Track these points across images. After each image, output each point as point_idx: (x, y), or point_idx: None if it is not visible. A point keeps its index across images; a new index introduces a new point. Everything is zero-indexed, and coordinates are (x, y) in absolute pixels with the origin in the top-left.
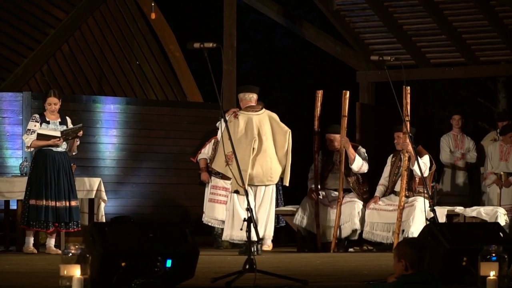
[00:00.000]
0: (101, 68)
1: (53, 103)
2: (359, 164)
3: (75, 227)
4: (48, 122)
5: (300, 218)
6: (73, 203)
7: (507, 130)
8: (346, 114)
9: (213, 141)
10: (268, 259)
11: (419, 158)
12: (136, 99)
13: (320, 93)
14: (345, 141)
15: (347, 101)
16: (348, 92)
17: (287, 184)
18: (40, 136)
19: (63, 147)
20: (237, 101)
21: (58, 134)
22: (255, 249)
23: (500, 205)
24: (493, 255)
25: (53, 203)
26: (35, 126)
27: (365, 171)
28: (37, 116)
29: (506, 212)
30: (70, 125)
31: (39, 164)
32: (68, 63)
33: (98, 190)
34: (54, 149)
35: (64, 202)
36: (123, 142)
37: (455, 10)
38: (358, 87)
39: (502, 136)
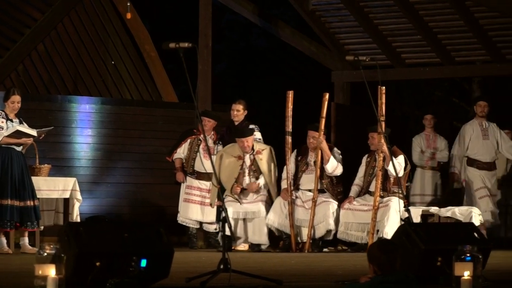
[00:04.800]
0: (76, 68)
1: (17, 101)
2: (334, 166)
3: (36, 226)
4: (11, 121)
5: (273, 218)
6: (36, 202)
7: None
8: (324, 116)
9: (188, 141)
10: (243, 259)
11: (394, 158)
12: (111, 99)
13: (291, 94)
14: (321, 141)
15: (326, 102)
16: (327, 94)
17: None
18: (16, 133)
19: (20, 147)
20: (212, 101)
21: (34, 133)
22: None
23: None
24: (468, 255)
25: (17, 203)
26: (2, 122)
27: (339, 173)
28: (3, 112)
29: (480, 212)
30: (25, 126)
31: (4, 163)
32: (43, 63)
33: (73, 190)
34: (17, 148)
35: (29, 201)
36: (98, 142)
37: (430, 10)
38: (333, 87)
39: None
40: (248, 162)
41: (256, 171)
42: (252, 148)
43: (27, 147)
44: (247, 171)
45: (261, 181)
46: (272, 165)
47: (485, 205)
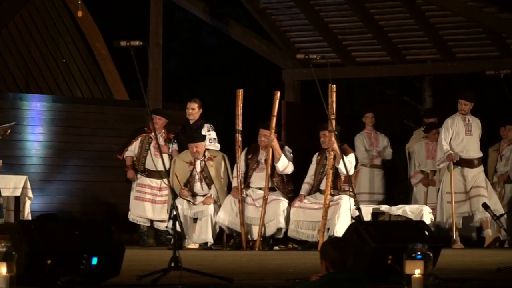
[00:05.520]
0: (27, 66)
1: None
2: (285, 164)
3: None
4: None
5: (223, 217)
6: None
7: (431, 127)
8: (275, 114)
9: (139, 139)
10: (193, 257)
11: (344, 156)
12: (63, 97)
13: (240, 92)
14: (272, 139)
15: (277, 101)
16: (279, 93)
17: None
18: None
19: None
20: (163, 99)
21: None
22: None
23: (426, 204)
24: (418, 253)
25: None
26: None
27: (289, 172)
28: None
29: (431, 210)
30: None
31: None
32: None
33: (24, 187)
34: None
35: None
36: (50, 139)
37: (381, 9)
38: (284, 86)
39: (426, 133)
40: (198, 168)
41: (207, 178)
42: (204, 155)
43: None
44: (197, 177)
45: (213, 191)
46: (223, 172)
47: (449, 211)
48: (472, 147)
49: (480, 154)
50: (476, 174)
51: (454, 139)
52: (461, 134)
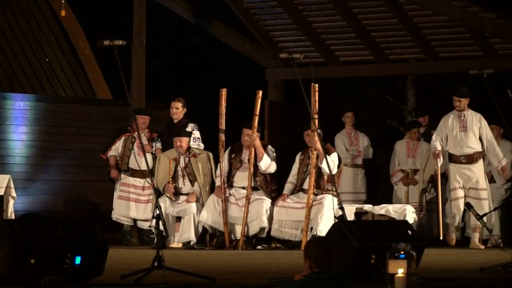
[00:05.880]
0: (11, 65)
1: None
2: (267, 163)
3: None
4: None
5: (206, 216)
6: None
7: (412, 126)
8: (258, 113)
9: (123, 138)
10: (177, 256)
11: (327, 155)
12: (46, 96)
13: (224, 91)
14: (254, 139)
15: (260, 100)
16: (261, 92)
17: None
18: None
19: None
20: (147, 98)
21: None
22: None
23: (408, 203)
24: (402, 252)
25: None
26: None
27: (272, 171)
28: None
29: (414, 210)
30: None
31: None
32: None
33: (8, 187)
34: None
35: None
36: (33, 139)
37: (364, 8)
38: (267, 85)
39: (407, 132)
40: (182, 164)
41: (191, 174)
42: (189, 151)
43: None
44: (181, 173)
45: (196, 188)
46: (207, 170)
47: (456, 208)
48: (467, 142)
49: (477, 149)
50: (476, 173)
51: (449, 137)
52: (455, 130)
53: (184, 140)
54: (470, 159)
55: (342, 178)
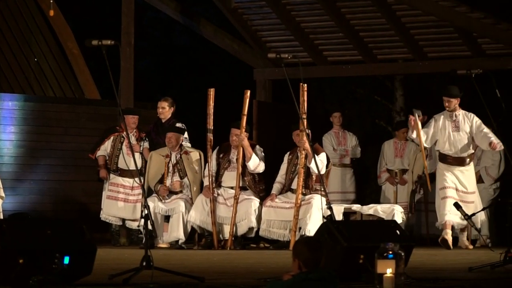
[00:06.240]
0: None
1: None
2: (256, 163)
3: None
4: None
5: (195, 216)
6: None
7: (400, 126)
8: (246, 113)
9: (112, 138)
10: (165, 256)
11: (316, 155)
12: (34, 96)
13: (212, 91)
14: (242, 139)
15: (248, 100)
16: (249, 91)
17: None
18: None
19: None
20: (135, 98)
21: None
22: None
23: (396, 203)
24: (390, 252)
25: None
26: None
27: (261, 171)
28: None
29: (402, 210)
30: None
31: None
32: None
33: None
34: None
35: None
36: (21, 139)
37: (352, 8)
38: (255, 85)
39: (395, 132)
40: (173, 160)
41: (181, 170)
42: (180, 148)
43: None
44: (171, 169)
45: (186, 181)
46: (198, 168)
47: (446, 206)
48: (460, 143)
49: (470, 151)
50: (467, 175)
51: (441, 136)
52: (447, 130)
53: (174, 136)
54: (462, 160)
55: (330, 178)
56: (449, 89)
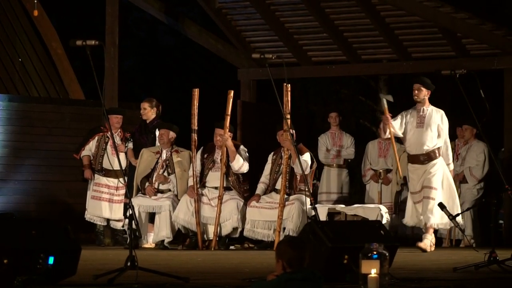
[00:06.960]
0: None
1: None
2: (240, 163)
3: None
4: None
5: (179, 216)
6: None
7: None
8: (229, 113)
9: (96, 138)
10: (150, 256)
11: (300, 155)
12: (19, 96)
13: (196, 91)
14: (226, 139)
15: (231, 100)
16: (232, 92)
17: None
18: None
19: None
20: (119, 98)
21: None
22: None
23: (381, 203)
24: (374, 253)
25: None
26: None
27: (245, 171)
28: None
29: (387, 210)
30: None
31: None
32: None
33: None
34: None
35: None
36: (5, 139)
37: (336, 8)
38: (240, 85)
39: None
40: (164, 156)
41: (169, 167)
42: (172, 146)
43: None
44: (160, 164)
45: (172, 178)
46: (187, 167)
47: (418, 210)
48: (422, 140)
49: (430, 148)
50: (432, 172)
51: (407, 132)
52: (411, 126)
53: (165, 132)
54: (427, 157)
55: (322, 178)
56: (422, 78)
